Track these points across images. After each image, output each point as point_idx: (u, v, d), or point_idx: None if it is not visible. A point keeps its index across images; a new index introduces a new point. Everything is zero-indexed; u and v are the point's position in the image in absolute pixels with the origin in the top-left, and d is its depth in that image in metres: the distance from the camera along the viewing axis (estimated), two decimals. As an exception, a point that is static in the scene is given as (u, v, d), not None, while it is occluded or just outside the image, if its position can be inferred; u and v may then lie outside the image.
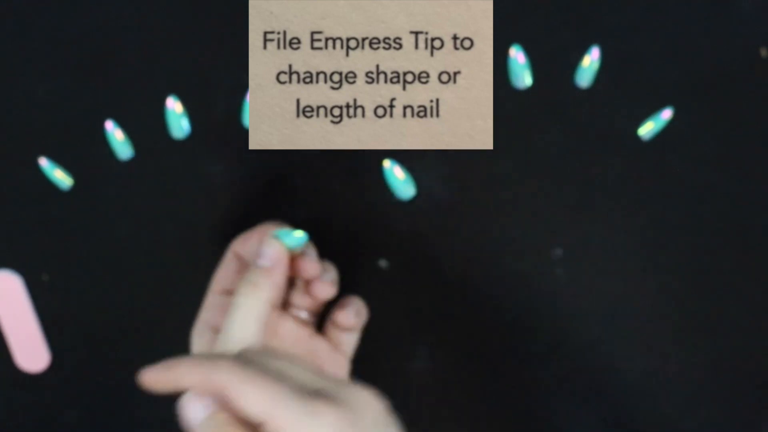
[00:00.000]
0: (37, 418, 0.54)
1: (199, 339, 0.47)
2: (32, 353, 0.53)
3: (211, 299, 0.47)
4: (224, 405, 0.39)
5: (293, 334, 0.47)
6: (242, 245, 0.47)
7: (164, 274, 0.52)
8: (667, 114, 0.49)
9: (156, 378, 0.40)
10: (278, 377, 0.38)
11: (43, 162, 0.51)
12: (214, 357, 0.40)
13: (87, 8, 0.51)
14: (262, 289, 0.43)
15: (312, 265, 0.45)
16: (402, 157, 0.50)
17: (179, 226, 0.52)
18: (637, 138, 0.50)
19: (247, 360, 0.39)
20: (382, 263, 0.51)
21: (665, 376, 0.51)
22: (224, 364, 0.39)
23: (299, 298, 0.47)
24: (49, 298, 0.53)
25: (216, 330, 0.45)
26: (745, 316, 0.50)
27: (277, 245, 0.44)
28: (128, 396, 0.53)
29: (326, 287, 0.46)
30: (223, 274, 0.47)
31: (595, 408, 0.52)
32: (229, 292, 0.45)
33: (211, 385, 0.39)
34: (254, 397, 0.38)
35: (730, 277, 0.50)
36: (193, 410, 0.40)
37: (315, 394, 0.38)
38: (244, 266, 0.46)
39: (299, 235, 0.44)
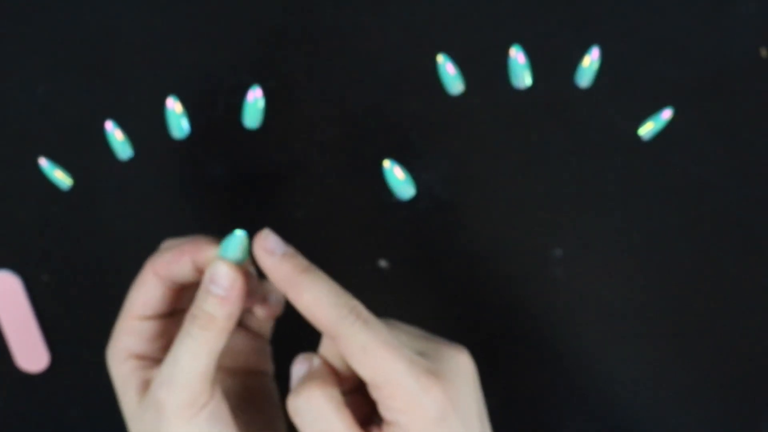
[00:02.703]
0: (37, 418, 0.54)
1: (119, 366, 0.41)
2: (32, 353, 0.53)
3: (130, 324, 0.41)
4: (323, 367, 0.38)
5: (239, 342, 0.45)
6: (164, 266, 0.41)
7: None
8: (667, 114, 0.49)
9: (271, 265, 0.38)
10: (395, 344, 0.38)
11: (43, 162, 0.51)
12: (342, 303, 0.38)
13: (87, 8, 0.51)
14: (219, 322, 0.39)
15: (259, 287, 0.42)
16: (402, 157, 0.50)
17: (179, 226, 0.52)
18: (637, 138, 0.50)
19: (367, 320, 0.38)
20: (382, 263, 0.51)
21: (664, 376, 0.51)
22: (354, 317, 0.38)
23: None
24: (49, 298, 0.53)
25: (140, 358, 0.41)
26: (744, 316, 0.51)
27: (227, 269, 0.39)
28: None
29: (277, 308, 0.43)
30: (142, 298, 0.42)
31: (593, 408, 0.52)
32: (151, 318, 0.42)
33: (330, 332, 0.38)
34: (372, 361, 0.37)
35: (729, 277, 0.50)
36: (297, 372, 0.39)
37: (426, 369, 0.38)
38: (171, 290, 0.42)
39: (239, 239, 0.40)
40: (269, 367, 0.45)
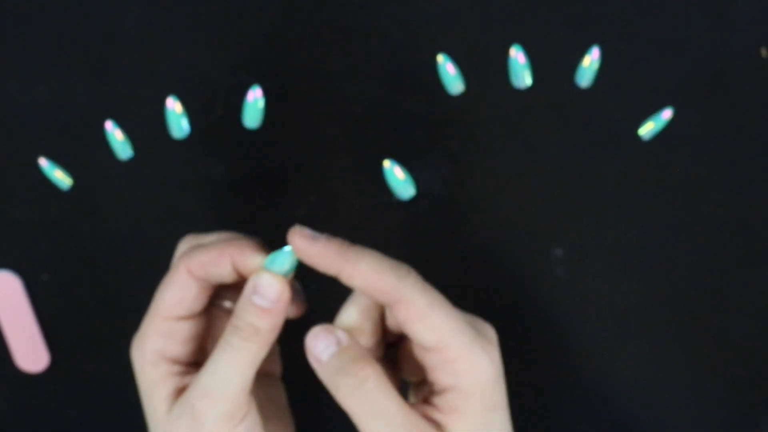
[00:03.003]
0: (37, 418, 0.54)
1: (150, 368, 0.40)
2: (32, 353, 0.53)
3: (161, 324, 0.40)
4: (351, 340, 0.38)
5: None
6: (200, 266, 0.39)
7: (164, 273, 0.52)
8: (667, 114, 0.49)
9: (327, 259, 0.37)
10: (452, 306, 0.38)
11: (43, 162, 0.51)
12: (398, 267, 0.38)
13: (87, 8, 0.51)
14: (263, 334, 0.38)
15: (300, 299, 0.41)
16: (402, 157, 0.50)
17: (179, 226, 0.52)
18: (637, 138, 0.50)
19: (424, 282, 0.38)
20: (382, 263, 0.51)
21: (665, 376, 0.51)
22: (413, 279, 0.37)
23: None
24: (49, 298, 0.53)
25: (173, 361, 0.40)
26: (745, 317, 0.51)
27: (274, 282, 0.38)
28: (128, 396, 0.53)
29: (303, 307, 0.42)
30: (176, 297, 0.40)
31: (594, 408, 0.52)
32: (185, 319, 0.40)
33: (392, 296, 0.37)
34: (434, 325, 0.37)
35: (730, 276, 0.50)
36: (320, 345, 0.38)
37: (479, 331, 0.38)
38: (205, 290, 0.40)
39: (289, 255, 0.38)
40: (277, 368, 0.45)
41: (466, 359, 0.37)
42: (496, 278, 0.51)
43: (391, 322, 0.41)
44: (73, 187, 0.52)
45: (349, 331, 0.39)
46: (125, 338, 0.53)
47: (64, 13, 0.51)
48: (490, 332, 0.40)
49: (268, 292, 0.38)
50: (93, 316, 0.53)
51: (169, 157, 0.51)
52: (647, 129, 0.50)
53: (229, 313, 0.42)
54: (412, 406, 0.38)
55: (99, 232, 0.52)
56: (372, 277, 0.37)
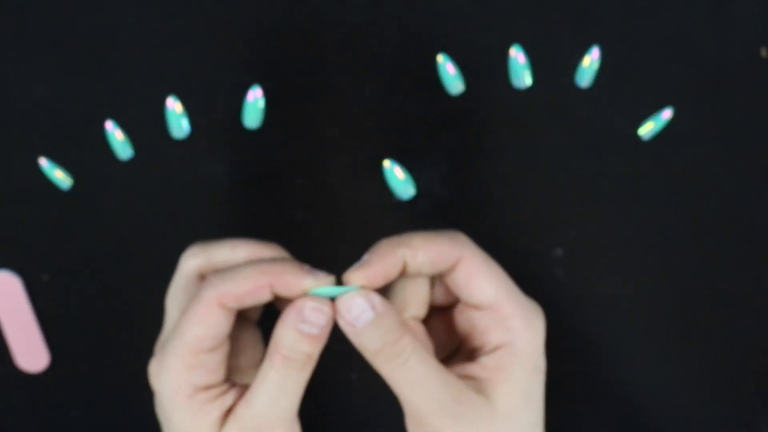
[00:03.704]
0: (37, 418, 0.54)
1: (189, 402, 0.38)
2: (32, 353, 0.53)
3: (198, 358, 0.37)
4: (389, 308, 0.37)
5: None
6: (234, 299, 0.37)
7: (164, 274, 0.52)
8: (667, 114, 0.49)
9: (385, 256, 0.37)
10: None
11: (43, 162, 0.51)
12: (447, 232, 0.39)
13: (87, 8, 0.51)
14: (314, 360, 0.37)
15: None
16: (402, 157, 0.50)
17: (179, 226, 0.52)
18: (637, 138, 0.50)
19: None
20: (382, 263, 0.51)
21: (665, 376, 0.51)
22: (467, 242, 0.39)
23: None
24: (49, 298, 0.53)
25: (209, 388, 0.38)
26: (745, 316, 0.50)
27: (325, 310, 0.37)
28: (128, 396, 0.53)
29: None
30: (208, 332, 0.37)
31: (594, 408, 0.52)
32: (217, 347, 0.38)
33: (453, 257, 0.38)
34: (493, 280, 0.38)
35: (730, 277, 0.50)
36: (356, 310, 0.37)
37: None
38: (234, 314, 0.38)
39: (344, 291, 0.37)
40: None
41: (521, 317, 0.38)
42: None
43: (437, 294, 0.41)
44: (73, 187, 0.52)
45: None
46: (125, 338, 0.53)
47: (64, 13, 0.51)
48: (540, 308, 0.41)
49: (318, 319, 0.37)
50: (93, 316, 0.53)
51: (169, 157, 0.51)
52: (647, 129, 0.50)
53: (248, 321, 0.42)
54: (452, 368, 0.39)
55: (99, 232, 0.52)
56: (431, 247, 0.38)
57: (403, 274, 0.39)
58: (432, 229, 0.41)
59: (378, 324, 0.37)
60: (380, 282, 0.38)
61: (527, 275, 0.51)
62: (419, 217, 0.51)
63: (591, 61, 0.49)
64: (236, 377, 0.41)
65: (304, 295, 0.37)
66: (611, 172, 0.50)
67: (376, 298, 0.37)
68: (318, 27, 0.50)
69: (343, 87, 0.51)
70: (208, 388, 0.38)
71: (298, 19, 0.50)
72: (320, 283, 0.37)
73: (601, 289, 0.51)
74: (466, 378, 0.38)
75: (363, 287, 0.37)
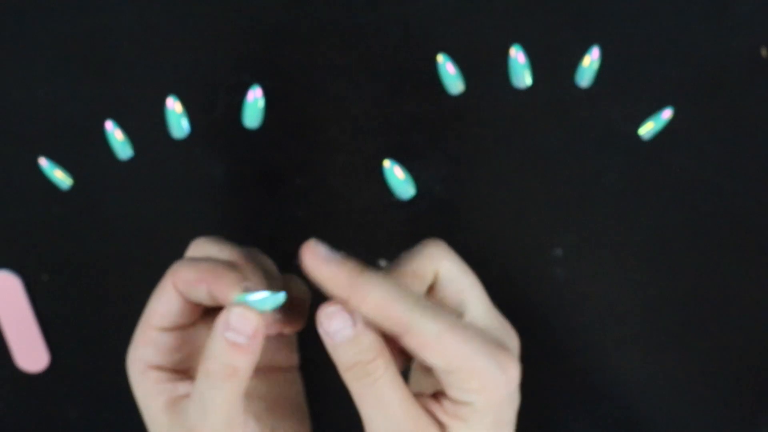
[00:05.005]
0: (37, 418, 0.54)
1: (139, 377, 0.39)
2: (32, 353, 0.53)
3: (148, 334, 0.39)
4: (371, 323, 0.36)
5: None
6: (183, 283, 0.38)
7: (164, 274, 0.52)
8: (667, 114, 0.49)
9: (327, 273, 0.36)
10: (467, 326, 0.37)
11: (43, 162, 0.51)
12: (408, 295, 0.36)
13: (87, 8, 0.51)
14: (241, 372, 0.36)
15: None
16: (402, 157, 0.50)
17: (179, 226, 0.52)
18: (637, 138, 0.50)
19: (434, 308, 0.37)
20: (382, 263, 0.51)
21: (665, 376, 0.51)
22: (423, 307, 0.36)
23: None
24: (49, 298, 0.53)
25: (160, 369, 0.39)
26: (744, 317, 0.50)
27: (251, 317, 0.36)
28: (128, 396, 0.53)
29: (302, 322, 0.41)
30: (162, 309, 0.39)
31: (594, 408, 0.52)
32: (170, 330, 0.39)
33: (399, 328, 0.36)
34: (448, 349, 0.36)
35: (730, 277, 0.50)
36: (337, 324, 0.36)
37: (500, 346, 0.37)
38: (190, 304, 0.39)
39: (272, 301, 0.36)
40: (295, 360, 0.43)
41: (478, 379, 0.36)
42: (496, 278, 0.51)
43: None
44: (73, 187, 0.52)
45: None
46: (125, 338, 0.53)
47: (64, 13, 0.51)
48: (513, 341, 0.39)
49: (245, 327, 0.36)
50: (93, 316, 0.53)
51: (169, 157, 0.51)
52: (647, 129, 0.50)
53: None
54: (420, 400, 0.38)
55: (99, 232, 0.52)
56: (381, 309, 0.36)
57: None
58: (394, 255, 0.39)
59: (355, 342, 0.36)
60: (328, 287, 0.37)
61: (527, 275, 0.51)
62: (419, 217, 0.51)
63: (591, 61, 0.49)
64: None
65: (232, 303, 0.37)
66: (611, 172, 0.50)
67: (358, 316, 0.37)
68: (318, 27, 0.50)
69: (343, 87, 0.51)
70: (158, 368, 0.39)
71: (298, 19, 0.50)
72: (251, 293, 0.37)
73: (601, 289, 0.51)
74: (430, 413, 0.38)
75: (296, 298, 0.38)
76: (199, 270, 0.38)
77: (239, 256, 0.40)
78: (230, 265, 0.38)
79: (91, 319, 0.53)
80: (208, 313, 0.40)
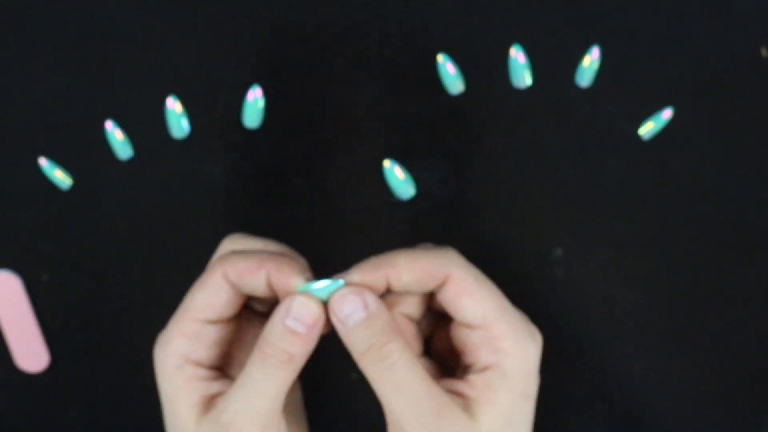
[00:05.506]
0: (37, 418, 0.54)
1: (174, 372, 0.38)
2: (32, 353, 0.53)
3: (189, 326, 0.38)
4: (384, 306, 0.37)
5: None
6: (237, 273, 0.38)
7: (164, 274, 0.52)
8: (667, 114, 0.49)
9: (367, 275, 0.37)
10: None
11: (43, 162, 0.51)
12: (438, 250, 0.38)
13: (87, 8, 0.51)
14: (296, 360, 0.36)
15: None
16: (402, 157, 0.50)
17: (179, 226, 0.52)
18: (637, 138, 0.50)
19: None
20: (382, 263, 0.51)
21: (665, 376, 0.51)
22: (457, 259, 0.37)
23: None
24: (49, 298, 0.53)
25: (197, 365, 0.38)
26: (744, 316, 0.51)
27: (312, 307, 0.37)
28: (128, 396, 0.53)
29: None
30: (208, 300, 0.38)
31: (594, 408, 0.52)
32: (213, 323, 0.39)
33: (439, 276, 0.37)
34: (483, 299, 0.37)
35: (730, 276, 0.50)
36: (348, 308, 0.36)
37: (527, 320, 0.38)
38: (238, 296, 0.39)
39: (332, 287, 0.37)
40: None
41: (511, 339, 0.37)
42: (496, 278, 0.51)
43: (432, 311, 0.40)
44: (73, 187, 0.52)
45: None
46: (125, 338, 0.53)
47: (64, 13, 0.51)
48: (537, 330, 0.40)
49: (305, 316, 0.36)
50: (93, 316, 0.53)
51: (169, 157, 0.51)
52: (647, 129, 0.50)
53: (261, 319, 0.40)
54: (441, 381, 0.38)
55: (99, 232, 0.52)
56: (416, 267, 0.37)
57: (389, 291, 0.38)
58: (424, 244, 0.40)
59: (368, 325, 0.36)
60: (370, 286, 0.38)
61: (527, 275, 0.51)
62: (419, 217, 0.51)
63: (591, 60, 0.49)
64: (234, 372, 0.41)
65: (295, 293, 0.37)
66: (611, 172, 0.50)
67: (371, 298, 0.37)
68: (318, 27, 0.50)
69: (343, 87, 0.51)
70: (197, 364, 0.38)
71: (298, 19, 0.50)
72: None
73: (601, 289, 0.51)
74: (455, 394, 0.38)
75: (350, 284, 0.37)
76: (260, 259, 0.38)
77: (285, 249, 0.40)
78: (288, 255, 0.39)
79: (91, 319, 0.53)
80: (248, 306, 0.40)
